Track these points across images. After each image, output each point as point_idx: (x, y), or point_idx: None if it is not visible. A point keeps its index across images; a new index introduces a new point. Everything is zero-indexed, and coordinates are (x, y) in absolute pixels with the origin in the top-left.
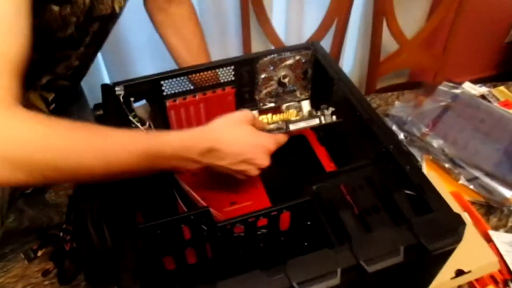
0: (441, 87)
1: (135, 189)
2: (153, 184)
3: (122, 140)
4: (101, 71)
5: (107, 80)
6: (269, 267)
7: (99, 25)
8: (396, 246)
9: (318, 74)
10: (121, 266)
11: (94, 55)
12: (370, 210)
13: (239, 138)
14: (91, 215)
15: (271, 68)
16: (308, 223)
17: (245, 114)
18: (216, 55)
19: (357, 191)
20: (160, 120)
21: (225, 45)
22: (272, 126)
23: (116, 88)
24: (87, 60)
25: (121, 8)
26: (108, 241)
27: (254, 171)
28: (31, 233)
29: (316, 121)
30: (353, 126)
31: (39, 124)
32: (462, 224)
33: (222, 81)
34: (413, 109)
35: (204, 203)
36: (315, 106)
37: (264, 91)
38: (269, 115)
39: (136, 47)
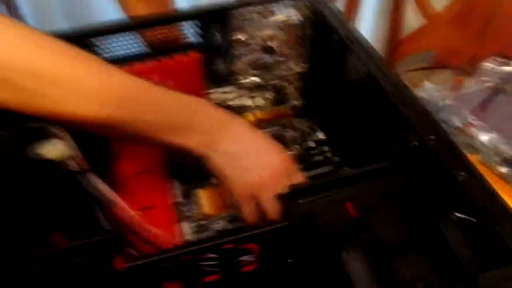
0: (486, 64)
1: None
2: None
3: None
4: None
5: None
6: None
7: None
8: None
9: (321, 37)
10: None
11: None
12: (395, 248)
13: (258, 137)
14: None
15: (253, 25)
16: (289, 260)
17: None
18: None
19: (373, 213)
20: None
21: None
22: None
23: None
24: None
25: None
26: None
27: (268, 188)
28: None
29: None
30: (372, 111)
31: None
32: None
33: (183, 42)
34: (451, 92)
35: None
36: (316, 84)
37: (244, 60)
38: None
39: None
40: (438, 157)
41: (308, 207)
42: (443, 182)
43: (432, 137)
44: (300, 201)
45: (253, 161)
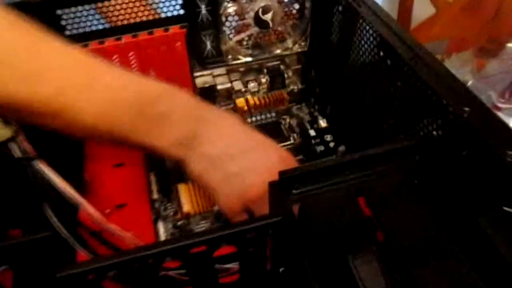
0: (510, 45)
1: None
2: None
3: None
4: None
5: None
6: None
7: None
8: None
9: (323, 7)
10: None
11: None
12: (419, 253)
13: (240, 126)
14: None
15: None
16: (281, 269)
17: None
18: None
19: (390, 208)
20: None
21: None
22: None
23: None
24: None
25: None
26: None
27: (255, 187)
28: None
29: None
30: (386, 88)
31: None
32: None
33: (163, 16)
34: (473, 74)
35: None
36: (318, 65)
37: (235, 38)
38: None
39: None
40: (476, 133)
41: (304, 200)
42: (485, 166)
43: (466, 108)
44: (294, 191)
45: (242, 164)
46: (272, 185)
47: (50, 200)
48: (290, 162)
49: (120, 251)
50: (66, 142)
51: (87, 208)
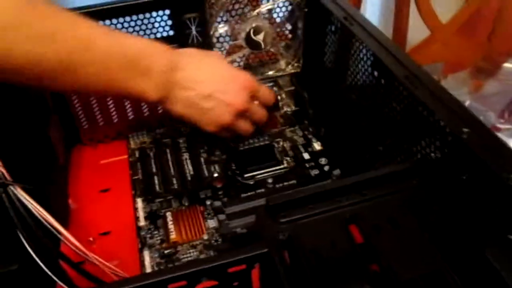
0: (507, 65)
1: None
2: None
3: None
4: None
5: None
6: None
7: None
8: None
9: (315, 28)
10: None
11: None
12: (417, 286)
13: (212, 65)
14: None
15: (234, 14)
16: None
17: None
18: None
19: (385, 237)
20: None
21: None
22: None
23: None
24: None
25: None
26: None
27: (226, 115)
28: None
29: None
30: (382, 109)
31: None
32: None
33: (153, 37)
34: (470, 94)
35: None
36: (311, 86)
37: (226, 59)
38: None
39: None
40: (476, 155)
41: (293, 229)
42: (487, 190)
43: (466, 129)
44: (282, 220)
45: (215, 101)
46: (259, 212)
47: (27, 228)
48: (250, 82)
49: None
50: (46, 167)
51: (67, 236)
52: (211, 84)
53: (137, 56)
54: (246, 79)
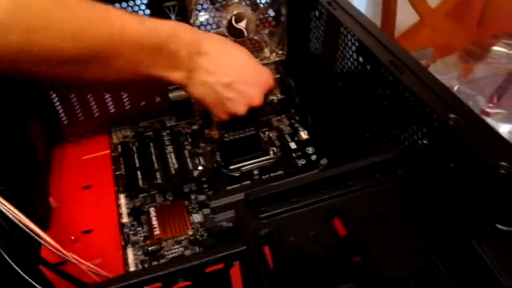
0: (496, 48)
1: None
2: None
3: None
4: None
5: None
6: None
7: None
8: None
9: (299, 13)
10: None
11: None
12: (403, 281)
13: (237, 55)
14: None
15: (215, 2)
16: None
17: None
18: None
19: (370, 230)
20: None
21: None
22: None
23: None
24: None
25: None
26: None
27: (240, 107)
28: None
29: None
30: (368, 96)
31: None
32: None
33: None
34: (459, 78)
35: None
36: (296, 74)
37: None
38: None
39: None
40: (464, 142)
41: (274, 224)
42: (477, 179)
43: (452, 115)
44: (262, 215)
45: (234, 92)
46: (238, 207)
47: (3, 234)
48: (270, 78)
49: None
50: (26, 166)
51: (45, 238)
52: (232, 73)
53: (165, 40)
54: (268, 76)
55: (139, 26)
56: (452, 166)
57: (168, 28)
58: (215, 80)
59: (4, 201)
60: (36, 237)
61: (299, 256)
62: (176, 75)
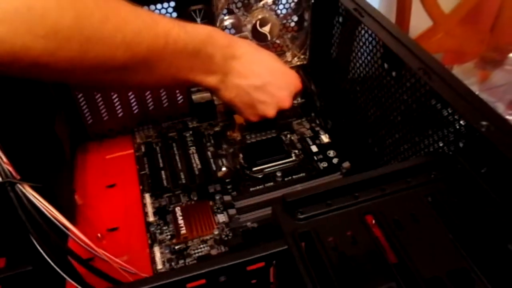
0: None
1: None
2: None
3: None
4: None
5: None
6: None
7: None
8: None
9: (322, 18)
10: None
11: None
12: (439, 283)
13: (267, 59)
14: None
15: (240, 6)
16: None
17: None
18: None
19: (407, 234)
20: None
21: None
22: None
23: None
24: None
25: None
26: None
27: (271, 109)
28: None
29: None
30: (392, 98)
31: None
32: None
33: None
34: (477, 85)
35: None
36: (318, 78)
37: None
38: None
39: None
40: (496, 148)
41: (311, 225)
42: (508, 183)
43: (484, 123)
44: (300, 215)
45: (265, 95)
46: (275, 208)
47: (36, 227)
48: (298, 81)
49: None
50: (53, 163)
51: (76, 233)
52: (263, 76)
53: (204, 44)
54: (295, 78)
55: (181, 31)
56: (483, 172)
57: (205, 32)
58: (248, 83)
59: (40, 198)
60: (70, 234)
61: (338, 256)
62: (210, 79)
